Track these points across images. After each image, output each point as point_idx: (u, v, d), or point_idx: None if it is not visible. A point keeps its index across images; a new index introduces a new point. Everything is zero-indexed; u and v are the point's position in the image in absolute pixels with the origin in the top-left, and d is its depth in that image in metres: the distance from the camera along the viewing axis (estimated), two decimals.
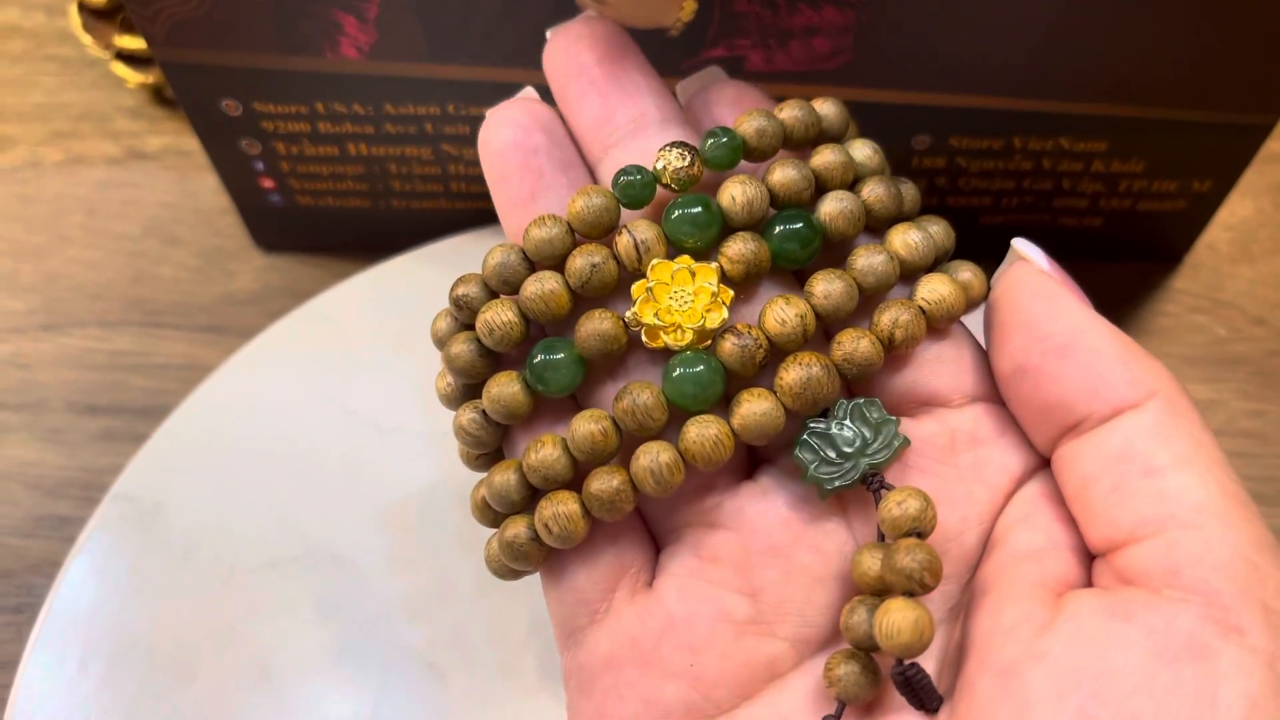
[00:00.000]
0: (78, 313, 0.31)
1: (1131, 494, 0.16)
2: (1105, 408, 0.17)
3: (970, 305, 0.19)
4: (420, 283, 0.28)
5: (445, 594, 0.24)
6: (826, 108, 0.20)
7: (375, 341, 0.27)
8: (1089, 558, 0.17)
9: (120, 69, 0.33)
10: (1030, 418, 0.18)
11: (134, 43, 0.32)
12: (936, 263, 0.19)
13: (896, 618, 0.16)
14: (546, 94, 0.21)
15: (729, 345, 0.18)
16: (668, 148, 0.18)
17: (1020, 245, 0.19)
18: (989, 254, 0.31)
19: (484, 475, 0.19)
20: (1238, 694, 0.14)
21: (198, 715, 0.23)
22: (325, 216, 0.31)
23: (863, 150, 0.20)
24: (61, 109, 0.35)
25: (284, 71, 0.26)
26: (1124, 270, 0.32)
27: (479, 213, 0.30)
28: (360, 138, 0.28)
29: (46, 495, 0.28)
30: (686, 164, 0.18)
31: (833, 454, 0.18)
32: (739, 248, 0.18)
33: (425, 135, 0.27)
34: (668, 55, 0.24)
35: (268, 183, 0.29)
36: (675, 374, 0.18)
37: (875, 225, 0.19)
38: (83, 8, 0.33)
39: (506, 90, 0.26)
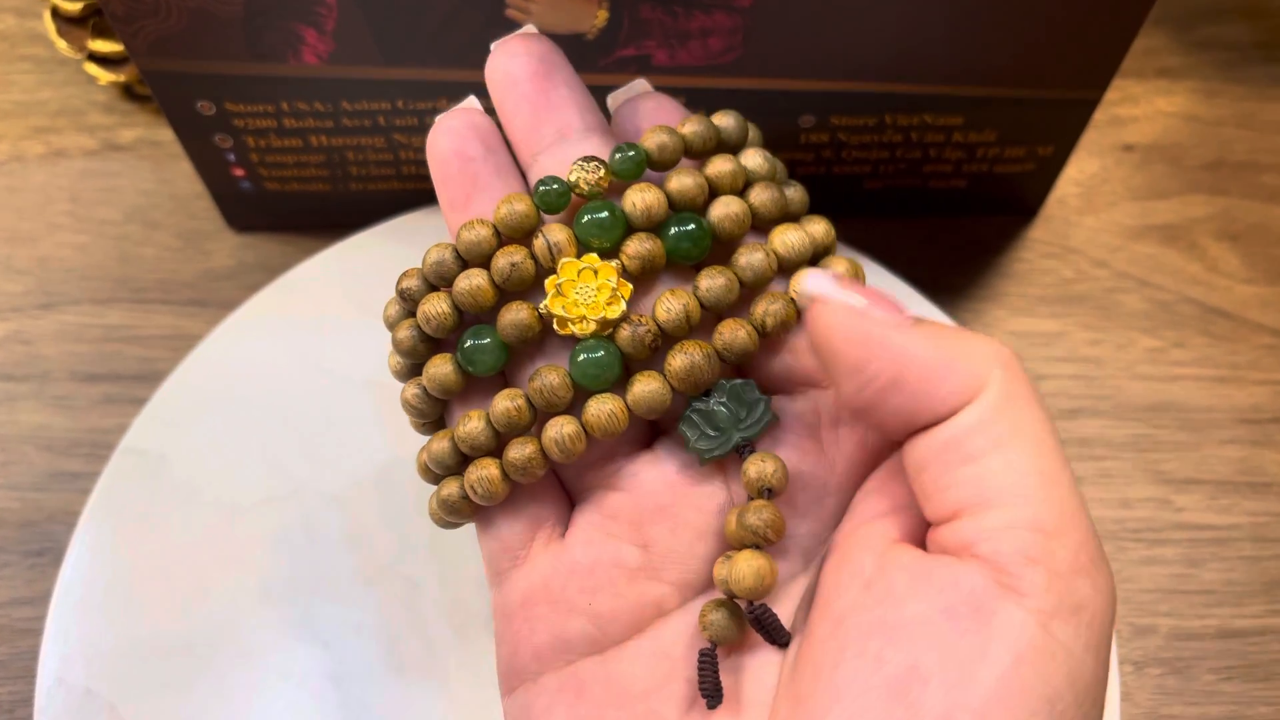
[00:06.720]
0: (71, 292, 0.34)
1: (953, 481, 0.17)
2: (943, 409, 0.17)
3: None
4: (379, 255, 0.32)
5: (414, 517, 0.29)
6: (726, 120, 0.22)
7: (343, 307, 0.31)
8: (926, 524, 0.18)
9: (93, 69, 0.36)
10: (884, 430, 0.19)
11: (107, 46, 0.35)
12: (817, 258, 0.21)
13: (743, 566, 0.18)
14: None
15: (625, 332, 0.20)
16: (580, 162, 0.20)
17: (810, 285, 0.19)
18: (872, 214, 0.36)
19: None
20: (1006, 649, 0.15)
21: (211, 630, 0.27)
22: (291, 199, 0.34)
23: (754, 159, 0.21)
24: (39, 106, 0.38)
25: (252, 76, 0.29)
26: (987, 223, 0.36)
27: (427, 193, 0.33)
28: (321, 131, 0.31)
29: (58, 455, 0.32)
30: (596, 176, 0.20)
31: (710, 429, 0.20)
32: (636, 247, 0.20)
33: (379, 127, 0.31)
34: (586, 56, 0.28)
35: (239, 171, 0.33)
36: (580, 358, 0.20)
37: (762, 225, 0.21)
38: (56, 14, 0.36)
39: (449, 87, 0.30)
